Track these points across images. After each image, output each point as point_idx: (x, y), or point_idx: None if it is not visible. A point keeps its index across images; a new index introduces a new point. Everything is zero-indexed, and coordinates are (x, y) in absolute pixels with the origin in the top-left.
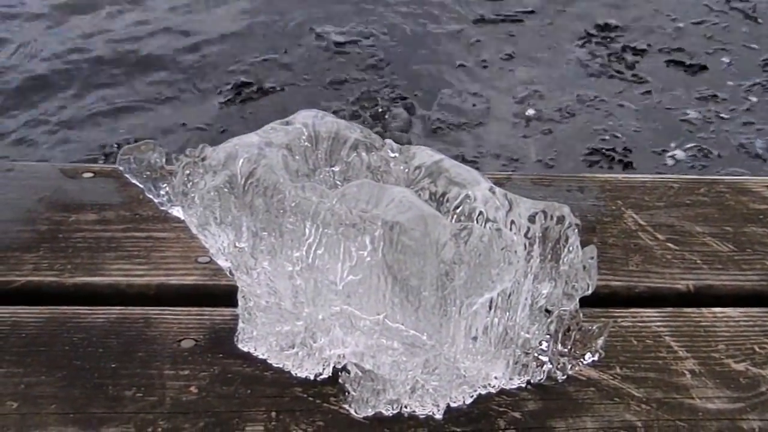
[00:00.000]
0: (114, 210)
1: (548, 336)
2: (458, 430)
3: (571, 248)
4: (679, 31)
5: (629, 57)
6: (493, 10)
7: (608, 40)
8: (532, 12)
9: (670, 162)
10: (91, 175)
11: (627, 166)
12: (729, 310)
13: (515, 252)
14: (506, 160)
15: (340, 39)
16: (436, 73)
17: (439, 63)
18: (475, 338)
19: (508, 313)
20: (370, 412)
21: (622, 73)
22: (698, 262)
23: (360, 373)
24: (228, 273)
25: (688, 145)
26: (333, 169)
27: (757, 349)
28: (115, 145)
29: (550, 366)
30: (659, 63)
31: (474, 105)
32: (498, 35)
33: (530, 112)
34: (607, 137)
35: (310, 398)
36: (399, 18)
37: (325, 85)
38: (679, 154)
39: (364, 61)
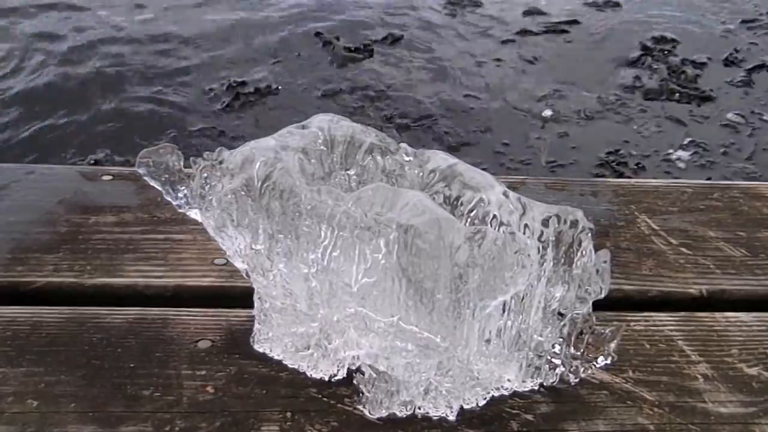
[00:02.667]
0: (132, 212)
1: (561, 339)
2: (471, 431)
3: (584, 252)
4: (712, 36)
5: (659, 63)
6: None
7: (653, 51)
8: (574, 22)
9: (681, 165)
10: (110, 177)
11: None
12: (742, 315)
13: (528, 255)
14: (518, 165)
15: (349, 45)
16: (449, 89)
17: (457, 77)
18: (488, 341)
19: (521, 316)
20: (383, 413)
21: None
22: (711, 266)
23: (374, 375)
24: (244, 275)
25: (700, 153)
26: (348, 172)
27: None
28: (99, 153)
29: (563, 369)
30: (688, 69)
31: (485, 110)
32: (519, 48)
33: (547, 113)
34: (620, 146)
35: (325, 399)
36: (423, 32)
37: (320, 97)
38: (683, 155)
39: (371, 74)
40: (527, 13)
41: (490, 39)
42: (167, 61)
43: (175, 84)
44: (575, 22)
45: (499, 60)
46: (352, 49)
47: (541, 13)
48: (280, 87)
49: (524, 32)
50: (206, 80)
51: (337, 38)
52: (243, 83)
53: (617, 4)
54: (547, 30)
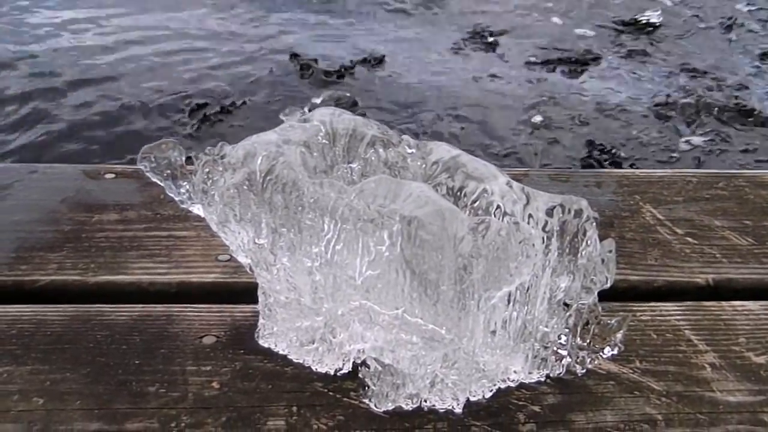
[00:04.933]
0: (135, 210)
1: (567, 330)
2: (478, 423)
3: (589, 241)
4: (717, 44)
5: (664, 75)
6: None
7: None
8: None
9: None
10: (112, 175)
11: None
12: (749, 304)
13: (533, 245)
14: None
15: (329, 67)
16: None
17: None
18: (493, 332)
19: (526, 307)
20: (390, 407)
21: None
22: (717, 255)
23: (380, 368)
24: (248, 270)
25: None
26: (351, 165)
27: None
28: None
29: (570, 360)
30: (689, 81)
31: (475, 122)
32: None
33: (537, 118)
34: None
35: (331, 393)
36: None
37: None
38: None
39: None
40: (544, 48)
41: (493, 67)
42: (131, 85)
43: (141, 106)
44: (597, 58)
45: (494, 76)
46: (332, 72)
47: (561, 48)
48: (248, 104)
49: (530, 64)
50: (175, 105)
51: (315, 60)
52: (204, 104)
53: (647, 53)
54: (563, 62)
